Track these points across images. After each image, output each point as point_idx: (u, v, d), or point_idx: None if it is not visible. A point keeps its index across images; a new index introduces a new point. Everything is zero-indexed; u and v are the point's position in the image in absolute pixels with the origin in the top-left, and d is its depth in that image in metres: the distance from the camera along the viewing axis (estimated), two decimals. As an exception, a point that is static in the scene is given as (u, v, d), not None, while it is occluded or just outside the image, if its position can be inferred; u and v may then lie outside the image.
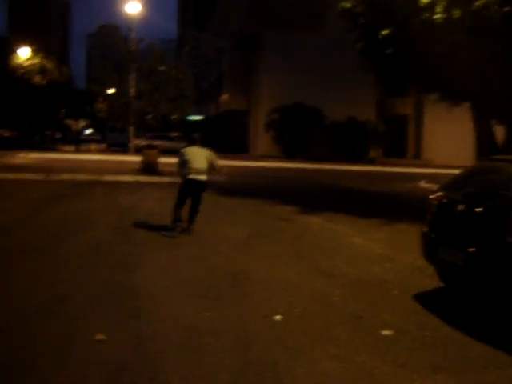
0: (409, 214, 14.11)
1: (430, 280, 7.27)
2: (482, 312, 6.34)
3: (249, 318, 5.64)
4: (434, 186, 21.55)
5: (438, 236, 6.53)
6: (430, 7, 13.72)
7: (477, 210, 5.93)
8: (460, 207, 6.12)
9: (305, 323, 5.57)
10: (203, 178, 10.32)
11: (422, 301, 6.52)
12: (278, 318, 5.68)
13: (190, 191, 10.36)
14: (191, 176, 10.21)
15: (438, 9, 13.48)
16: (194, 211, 10.39)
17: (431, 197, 6.89)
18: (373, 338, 5.23)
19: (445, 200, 6.64)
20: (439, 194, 6.80)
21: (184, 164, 10.33)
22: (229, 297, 6.36)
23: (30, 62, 50.96)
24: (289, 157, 44.53)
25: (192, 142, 10.86)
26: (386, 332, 5.39)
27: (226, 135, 53.52)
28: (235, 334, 5.20)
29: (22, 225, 10.89)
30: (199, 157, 10.33)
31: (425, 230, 6.87)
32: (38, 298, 6.08)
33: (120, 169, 24.98)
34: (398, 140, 49.53)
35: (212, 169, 10.57)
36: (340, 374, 4.47)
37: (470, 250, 5.84)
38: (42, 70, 51.29)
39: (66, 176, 20.82)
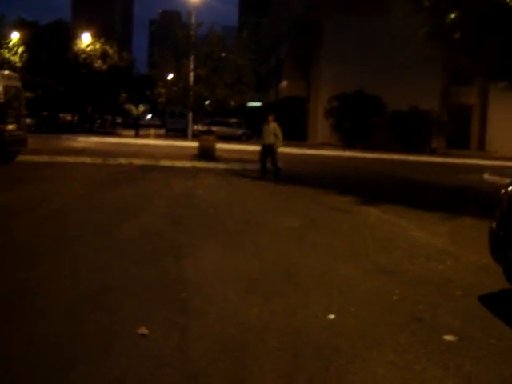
0: (473, 208, 13.55)
1: (496, 280, 6.77)
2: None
3: (300, 317, 5.28)
4: (499, 179, 21.01)
5: (508, 234, 6.02)
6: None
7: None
8: (534, 203, 5.61)
9: (360, 324, 5.18)
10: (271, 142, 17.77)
11: (488, 303, 6.04)
12: (331, 317, 5.30)
13: (264, 152, 17.90)
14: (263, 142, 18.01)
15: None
16: (273, 163, 17.78)
17: (502, 191, 6.37)
18: (434, 344, 4.80)
19: (517, 195, 6.12)
20: (510, 188, 6.27)
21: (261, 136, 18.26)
22: (280, 292, 6.02)
23: (91, 47, 51.71)
24: (348, 145, 43.85)
25: (265, 121, 18.30)
26: (448, 337, 4.96)
27: (285, 122, 53.18)
28: (285, 333, 4.85)
29: (75, 208, 10.84)
30: (267, 132, 17.89)
31: (493, 226, 6.36)
32: (84, 285, 5.91)
33: (177, 154, 25.02)
34: (462, 131, 48.17)
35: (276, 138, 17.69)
36: (397, 382, 4.08)
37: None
38: (103, 55, 52.02)
39: (123, 160, 20.93)
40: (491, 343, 4.89)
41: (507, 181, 7.36)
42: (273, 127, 17.87)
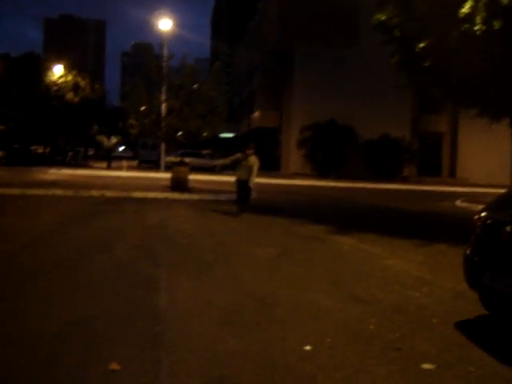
0: (447, 235, 13.61)
1: (472, 307, 6.74)
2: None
3: (277, 348, 5.17)
4: (471, 205, 21.19)
5: (483, 260, 6.00)
6: (470, 18, 13.18)
7: (526, 232, 5.41)
8: (508, 229, 5.60)
9: (338, 355, 5.08)
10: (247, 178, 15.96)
11: (465, 330, 6.00)
12: (308, 348, 5.20)
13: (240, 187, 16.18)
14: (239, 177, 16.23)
15: (478, 20, 12.91)
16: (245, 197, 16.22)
17: (475, 217, 6.36)
18: (412, 373, 4.73)
19: (490, 221, 6.11)
20: (484, 214, 6.27)
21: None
22: (255, 323, 5.91)
23: (63, 79, 51.60)
24: (321, 175, 44.09)
25: (243, 154, 16.30)
26: (426, 366, 4.88)
27: (258, 152, 53.30)
28: (262, 365, 4.74)
29: (47, 241, 10.62)
30: (244, 167, 16.06)
31: (468, 252, 6.35)
32: (55, 320, 5.73)
33: (150, 186, 24.86)
34: (433, 158, 48.74)
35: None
36: (377, 415, 4.00)
37: (519, 275, 5.32)
38: (75, 87, 51.89)
39: (95, 192, 20.71)
40: (469, 371, 4.83)
41: (479, 207, 7.39)
42: (251, 162, 16.04)
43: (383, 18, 16.36)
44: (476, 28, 13.07)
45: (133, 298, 6.73)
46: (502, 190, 7.87)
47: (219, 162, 16.07)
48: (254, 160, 16.11)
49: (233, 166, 16.43)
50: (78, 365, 4.61)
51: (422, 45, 14.77)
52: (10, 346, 5.01)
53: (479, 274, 5.98)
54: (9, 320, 5.76)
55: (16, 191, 19.96)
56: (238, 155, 16.43)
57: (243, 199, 16.28)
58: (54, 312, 6.06)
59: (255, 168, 15.94)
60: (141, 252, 9.90)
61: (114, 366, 4.57)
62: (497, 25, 12.70)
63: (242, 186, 16.16)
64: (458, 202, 24.18)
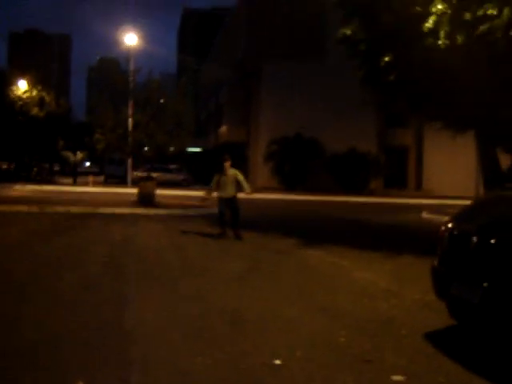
0: (413, 246, 13.71)
1: (440, 317, 6.77)
2: (500, 353, 5.82)
3: (246, 363, 5.12)
4: (437, 217, 21.41)
5: (450, 270, 6.05)
6: (433, 33, 13.37)
7: (492, 241, 5.47)
8: (474, 239, 5.65)
9: (308, 367, 5.06)
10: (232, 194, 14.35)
11: (433, 340, 6.03)
12: (278, 362, 5.17)
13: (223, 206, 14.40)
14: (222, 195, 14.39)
15: (442, 34, 13.12)
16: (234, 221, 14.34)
17: (442, 229, 6.42)
18: (382, 385, 4.74)
19: (457, 232, 6.16)
20: (450, 225, 6.33)
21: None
22: (224, 338, 5.85)
23: (28, 94, 51.07)
24: (289, 188, 44.20)
25: (220, 169, 14.38)
26: (396, 377, 4.88)
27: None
28: (231, 381, 4.70)
29: (12, 259, 10.43)
30: (226, 183, 14.22)
31: (435, 263, 6.39)
32: (19, 340, 5.60)
33: (117, 201, 24.63)
34: (399, 171, 49.24)
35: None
36: (348, 428, 3.98)
37: (485, 285, 5.36)
38: (40, 102, 51.39)
39: (60, 208, 20.45)
40: (439, 381, 4.85)
41: (445, 218, 7.45)
42: (232, 175, 14.31)
43: (348, 32, 16.52)
44: (440, 42, 13.29)
45: (101, 315, 6.63)
46: (467, 202, 7.96)
47: (204, 195, 13.11)
48: (234, 171, 14.38)
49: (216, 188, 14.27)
50: (43, 384, 4.51)
51: (386, 59, 14.94)
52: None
53: (447, 285, 6.01)
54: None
55: (-21, 208, 19.62)
56: (216, 177, 14.41)
57: (234, 221, 14.32)
58: (18, 330, 5.94)
59: (241, 176, 14.40)
60: (109, 268, 9.79)
61: (81, 385, 4.48)
62: (459, 39, 12.93)
63: (229, 203, 14.28)
64: (424, 214, 24.42)
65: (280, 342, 5.76)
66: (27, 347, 5.37)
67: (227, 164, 14.28)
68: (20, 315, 6.53)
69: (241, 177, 14.44)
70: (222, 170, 14.35)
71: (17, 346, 5.43)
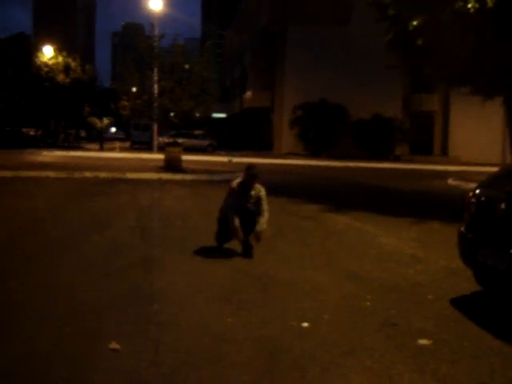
0: (439, 213, 13.69)
1: (466, 283, 6.82)
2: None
3: (274, 325, 5.23)
4: (463, 184, 21.28)
5: (477, 237, 6.07)
6: (464, -4, 13.18)
7: (521, 208, 5.47)
8: (502, 206, 5.66)
9: (334, 331, 5.15)
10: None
11: (460, 306, 6.07)
12: (305, 325, 5.27)
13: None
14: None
15: (472, -2, 12.93)
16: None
17: (469, 195, 6.42)
18: (409, 348, 4.80)
19: (484, 198, 6.17)
20: (477, 191, 6.33)
21: None
22: (253, 302, 5.96)
23: (53, 61, 51.16)
24: (314, 154, 44.10)
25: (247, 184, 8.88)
26: (423, 341, 4.95)
27: (250, 132, 53.30)
28: (259, 342, 4.80)
29: (41, 223, 10.63)
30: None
31: (462, 230, 6.41)
32: (52, 301, 5.77)
33: (143, 166, 24.83)
34: (425, 137, 48.77)
35: None
36: (374, 389, 4.06)
37: (514, 251, 5.38)
38: (66, 69, 51.47)
39: (88, 174, 20.67)
40: (465, 346, 4.91)
41: (471, 185, 7.44)
42: (258, 189, 8.60)
43: (377, -5, 16.36)
44: (469, 6, 13.07)
45: (130, 278, 6.76)
46: (494, 168, 7.93)
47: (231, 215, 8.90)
48: (259, 187, 8.76)
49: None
50: (77, 345, 4.63)
51: (414, 23, 14.75)
52: (9, 329, 5.05)
53: (474, 251, 6.04)
54: (8, 299, 5.81)
55: (9, 173, 19.89)
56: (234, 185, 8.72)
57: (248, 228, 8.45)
58: (53, 292, 6.10)
59: (265, 204, 8.69)
60: (137, 233, 9.93)
61: (114, 345, 4.60)
62: (490, 3, 12.71)
63: (248, 216, 8.51)
64: (450, 181, 24.27)
65: (308, 306, 5.85)
66: (60, 309, 5.53)
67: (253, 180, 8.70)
68: (52, 276, 6.69)
69: (265, 204, 8.73)
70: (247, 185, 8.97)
71: (51, 307, 5.59)
